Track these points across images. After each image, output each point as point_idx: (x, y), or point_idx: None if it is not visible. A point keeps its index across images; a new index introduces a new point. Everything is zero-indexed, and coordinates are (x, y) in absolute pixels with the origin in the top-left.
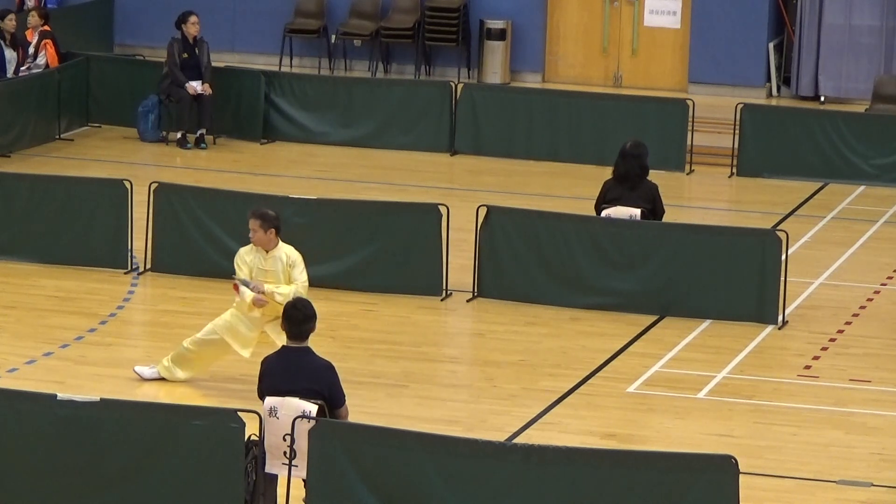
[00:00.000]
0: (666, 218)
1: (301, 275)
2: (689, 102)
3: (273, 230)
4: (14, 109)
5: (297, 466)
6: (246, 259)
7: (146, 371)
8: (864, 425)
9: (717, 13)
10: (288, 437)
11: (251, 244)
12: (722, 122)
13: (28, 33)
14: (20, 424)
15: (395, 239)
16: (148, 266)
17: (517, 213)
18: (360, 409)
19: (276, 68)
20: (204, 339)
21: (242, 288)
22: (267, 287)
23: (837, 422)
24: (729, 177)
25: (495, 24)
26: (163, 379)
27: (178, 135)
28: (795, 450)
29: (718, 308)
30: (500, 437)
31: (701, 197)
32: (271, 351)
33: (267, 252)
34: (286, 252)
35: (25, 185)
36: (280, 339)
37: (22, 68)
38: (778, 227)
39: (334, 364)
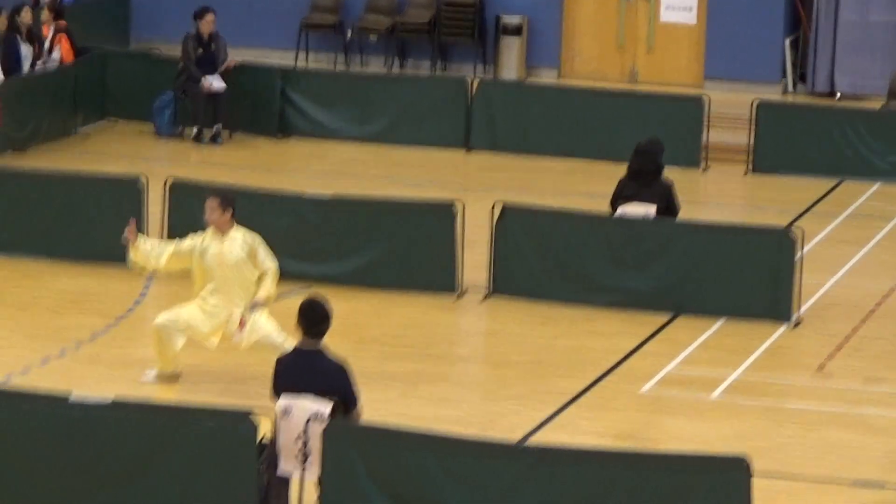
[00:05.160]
0: (681, 215)
1: (270, 259)
2: (705, 99)
3: (230, 210)
4: (30, 105)
5: (310, 467)
6: (202, 243)
7: (149, 375)
8: (878, 426)
9: (732, 9)
10: (301, 438)
11: (207, 229)
12: (737, 118)
13: (43, 28)
14: (33, 424)
15: (410, 236)
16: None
17: (532, 211)
18: (373, 409)
19: (291, 64)
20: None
21: (251, 317)
22: (262, 296)
23: (851, 422)
24: (744, 174)
25: (511, 19)
26: (165, 378)
27: (194, 130)
28: (808, 450)
29: (732, 307)
30: (513, 437)
31: (716, 194)
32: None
33: (223, 234)
34: (243, 235)
35: (41, 181)
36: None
37: (38, 63)
38: (793, 225)
39: (348, 363)
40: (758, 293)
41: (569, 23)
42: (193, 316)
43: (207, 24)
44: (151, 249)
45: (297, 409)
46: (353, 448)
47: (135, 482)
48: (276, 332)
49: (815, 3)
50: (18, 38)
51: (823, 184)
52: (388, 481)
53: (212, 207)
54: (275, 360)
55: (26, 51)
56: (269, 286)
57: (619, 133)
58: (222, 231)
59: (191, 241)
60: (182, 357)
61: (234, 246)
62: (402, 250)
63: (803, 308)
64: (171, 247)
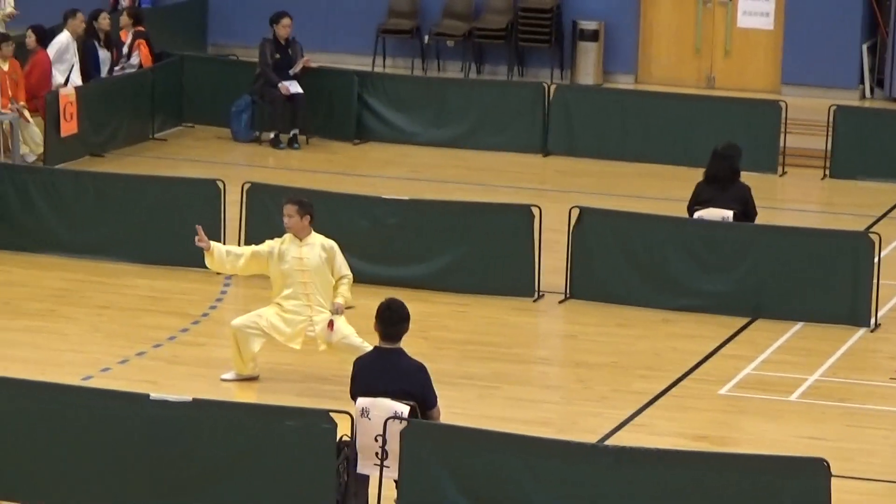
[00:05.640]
0: (758, 220)
1: (346, 267)
2: (782, 104)
3: (308, 217)
4: (108, 109)
5: (388, 467)
6: (280, 248)
7: (229, 375)
8: None
9: (810, 14)
10: (380, 438)
11: (285, 235)
12: (815, 123)
13: (122, 33)
14: (113, 424)
15: (487, 240)
16: None
17: (609, 215)
18: (452, 410)
19: (368, 68)
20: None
21: (336, 321)
22: (343, 302)
23: None
24: (822, 178)
25: (588, 24)
26: (244, 379)
27: (271, 135)
28: (888, 453)
29: (810, 310)
30: (592, 438)
31: (793, 199)
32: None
33: (301, 240)
34: (321, 241)
35: (119, 184)
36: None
37: (116, 68)
38: (871, 230)
39: (426, 365)
40: (836, 297)
41: (646, 28)
42: (272, 320)
43: (284, 29)
44: (227, 254)
45: (376, 409)
46: (431, 448)
47: (214, 481)
48: (354, 334)
49: (893, 9)
50: (97, 43)
51: None
52: (466, 481)
53: (290, 214)
54: (352, 361)
55: (104, 56)
56: (346, 292)
57: (697, 138)
58: (300, 237)
59: (269, 246)
60: (260, 358)
61: (313, 251)
62: (480, 253)
63: (882, 311)
64: (248, 251)
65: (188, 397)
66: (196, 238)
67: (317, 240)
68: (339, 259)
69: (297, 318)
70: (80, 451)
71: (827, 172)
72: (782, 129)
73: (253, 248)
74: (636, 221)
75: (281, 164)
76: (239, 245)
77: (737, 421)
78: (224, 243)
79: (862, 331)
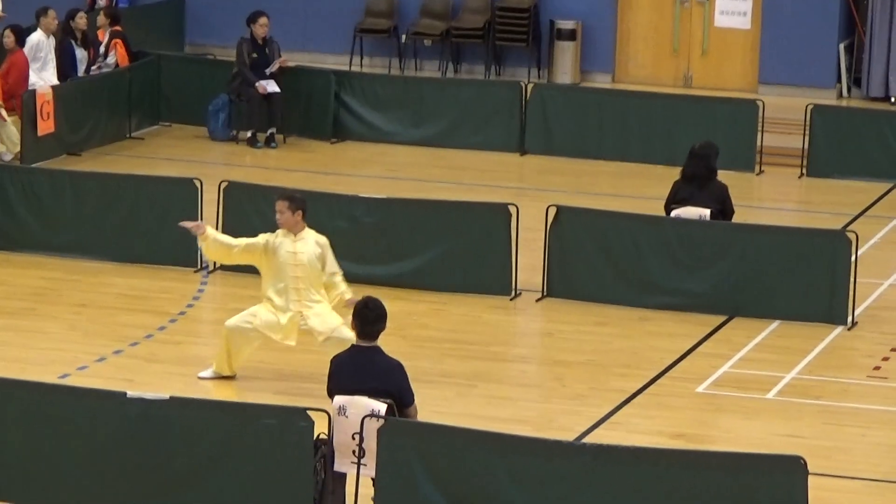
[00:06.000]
0: (735, 218)
1: (335, 263)
2: (760, 103)
3: (300, 212)
4: (85, 108)
5: (365, 465)
6: (274, 241)
7: (206, 373)
8: None
9: (787, 14)
10: (357, 436)
11: (278, 230)
12: (792, 122)
13: (99, 33)
14: (90, 422)
15: (465, 238)
16: (217, 265)
17: (587, 213)
18: (430, 408)
19: (346, 68)
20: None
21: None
22: (351, 296)
23: None
24: (799, 177)
25: (565, 24)
26: (222, 377)
27: (249, 134)
28: (864, 451)
29: (788, 309)
30: (569, 436)
31: (771, 197)
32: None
33: (295, 235)
34: (315, 237)
35: (96, 183)
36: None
37: (93, 67)
38: (848, 228)
39: (404, 363)
40: (813, 295)
41: (623, 28)
42: (266, 318)
43: (261, 28)
44: (222, 243)
45: (353, 406)
46: (408, 445)
47: (191, 479)
48: (343, 324)
49: (870, 8)
50: (73, 42)
51: (877, 187)
52: (443, 479)
53: (281, 210)
54: (330, 359)
55: (81, 55)
56: (345, 287)
57: (674, 137)
58: (294, 232)
59: (264, 238)
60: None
61: (307, 246)
62: (458, 252)
63: (859, 310)
64: (242, 242)
65: (165, 395)
66: (190, 229)
67: (310, 235)
68: (331, 255)
69: (287, 314)
70: (57, 448)
71: (804, 171)
72: (759, 128)
73: (247, 239)
74: (613, 220)
75: (258, 163)
76: None
77: (714, 419)
78: None
79: (839, 329)
